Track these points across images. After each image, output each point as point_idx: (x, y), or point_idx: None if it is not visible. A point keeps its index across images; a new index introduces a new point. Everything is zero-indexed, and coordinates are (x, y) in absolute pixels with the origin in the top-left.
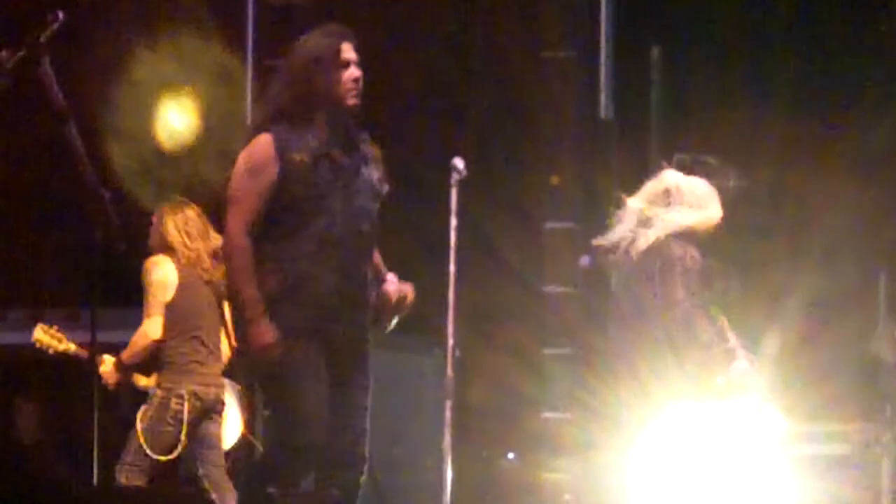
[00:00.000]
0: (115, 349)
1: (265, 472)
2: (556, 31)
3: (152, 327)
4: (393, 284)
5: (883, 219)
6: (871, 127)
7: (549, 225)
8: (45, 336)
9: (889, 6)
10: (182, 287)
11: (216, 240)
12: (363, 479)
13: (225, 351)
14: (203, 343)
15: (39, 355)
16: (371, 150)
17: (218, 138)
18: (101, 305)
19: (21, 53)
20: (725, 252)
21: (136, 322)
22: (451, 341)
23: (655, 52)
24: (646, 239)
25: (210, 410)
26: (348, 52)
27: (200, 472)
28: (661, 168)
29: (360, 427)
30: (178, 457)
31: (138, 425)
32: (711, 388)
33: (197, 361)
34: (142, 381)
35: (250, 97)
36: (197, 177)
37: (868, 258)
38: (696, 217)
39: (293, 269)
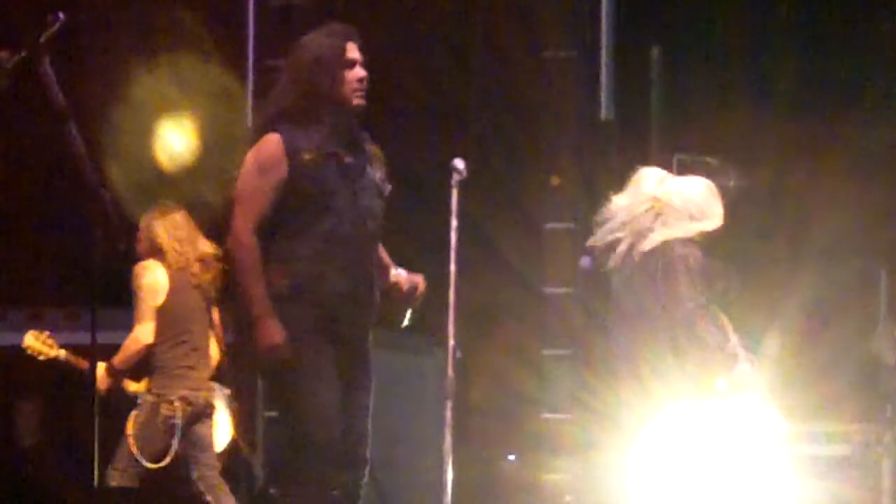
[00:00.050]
0: (115, 350)
1: (276, 473)
2: (556, 31)
3: (144, 332)
4: (403, 276)
5: (883, 219)
6: (871, 127)
7: (550, 225)
8: (36, 342)
9: (889, 6)
10: (172, 291)
11: (203, 245)
12: (365, 479)
13: (214, 355)
14: (193, 347)
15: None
16: (373, 149)
17: (218, 149)
18: (101, 305)
19: (21, 54)
20: (725, 252)
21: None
22: (451, 342)
23: (656, 52)
24: (650, 241)
25: (200, 414)
26: (353, 51)
27: (195, 475)
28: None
29: (362, 428)
30: (171, 462)
31: (128, 431)
32: (712, 388)
33: (187, 366)
34: (132, 386)
35: (251, 97)
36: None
37: (868, 258)
38: (700, 227)
39: (302, 268)
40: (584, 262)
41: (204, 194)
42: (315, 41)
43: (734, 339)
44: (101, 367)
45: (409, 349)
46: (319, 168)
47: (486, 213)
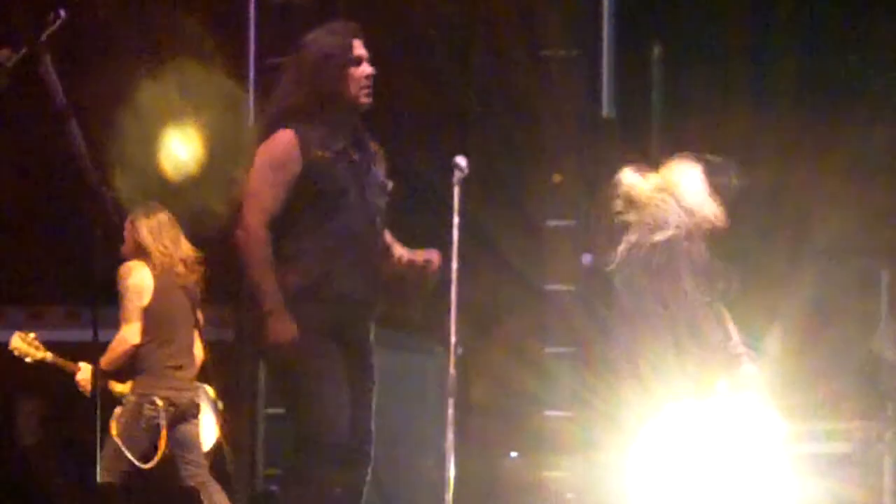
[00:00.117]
0: None
1: (278, 471)
2: (557, 29)
3: (131, 332)
4: (417, 253)
5: (884, 218)
6: (872, 126)
7: (551, 223)
8: (23, 344)
9: (889, 6)
10: (158, 292)
11: (186, 246)
12: (368, 478)
13: (199, 355)
14: (178, 348)
15: None
16: (374, 147)
17: (220, 148)
18: (101, 305)
19: (22, 52)
20: (726, 251)
21: None
22: (453, 340)
23: (657, 50)
24: (652, 238)
25: (185, 415)
26: (359, 48)
27: (184, 474)
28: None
29: (365, 426)
30: (159, 462)
31: (113, 431)
32: (712, 387)
33: (172, 367)
34: (117, 387)
35: (252, 95)
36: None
37: (869, 257)
38: (698, 219)
39: (316, 266)
40: (586, 259)
41: (204, 193)
42: (321, 39)
43: (737, 337)
44: (87, 368)
45: (411, 348)
46: (331, 166)
47: (488, 211)
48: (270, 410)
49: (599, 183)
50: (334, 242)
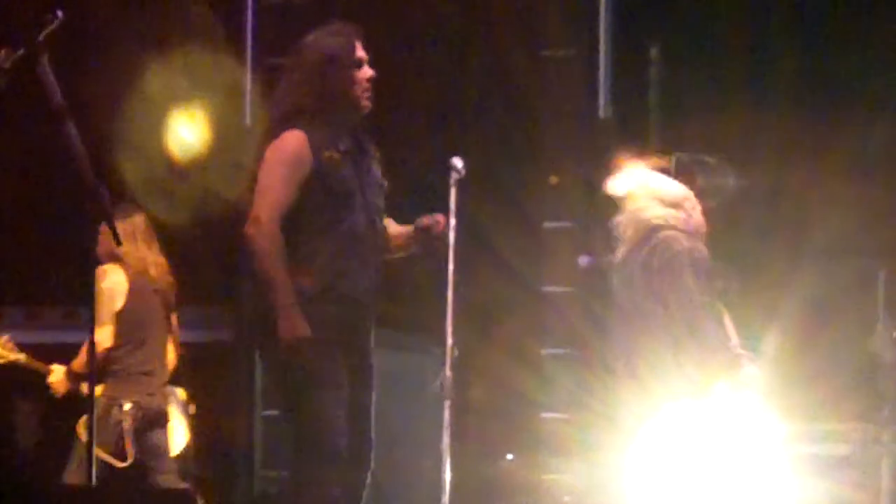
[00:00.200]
0: None
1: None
2: (555, 29)
3: (103, 336)
4: (420, 220)
5: (882, 218)
6: (871, 126)
7: (548, 224)
8: None
9: (889, 5)
10: (131, 295)
11: (158, 251)
12: (368, 481)
13: (171, 360)
14: (150, 353)
15: (36, 354)
16: (372, 147)
17: (218, 147)
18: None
19: (20, 52)
20: (724, 251)
21: None
22: (449, 341)
23: (655, 50)
24: (654, 237)
25: (153, 422)
26: (360, 50)
27: (151, 481)
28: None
29: (365, 429)
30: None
31: (80, 434)
32: (711, 387)
33: (143, 371)
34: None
35: (250, 95)
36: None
37: (867, 256)
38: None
39: (328, 267)
40: (583, 260)
41: (202, 191)
42: (324, 40)
43: (735, 338)
44: (60, 370)
45: (408, 349)
46: (339, 166)
47: (485, 212)
48: (267, 412)
49: (597, 184)
50: (343, 244)
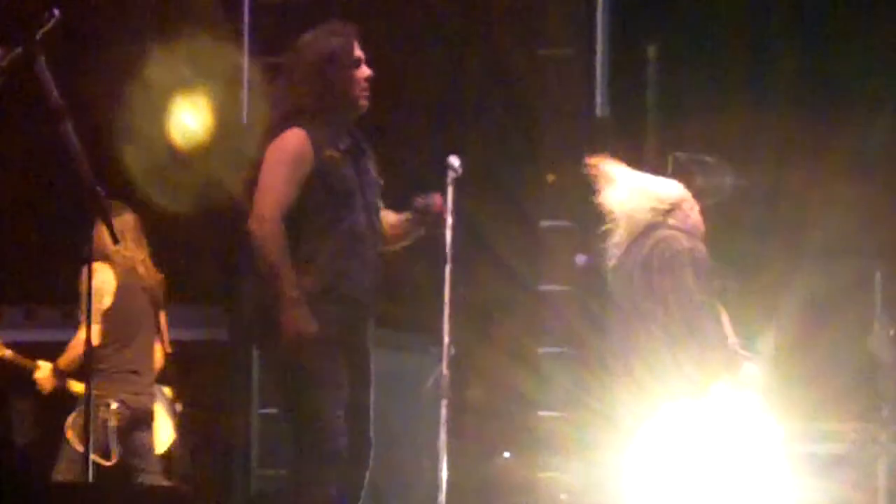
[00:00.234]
0: None
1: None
2: (553, 28)
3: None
4: (414, 203)
5: (880, 218)
6: (869, 126)
7: (545, 223)
8: None
9: (889, 5)
10: (119, 294)
11: (145, 251)
12: (366, 480)
13: (158, 358)
14: (137, 352)
15: (35, 353)
16: (367, 146)
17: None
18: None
19: (17, 51)
20: (722, 251)
21: None
22: (446, 340)
23: (652, 50)
24: (654, 236)
25: (139, 421)
26: (358, 50)
27: (134, 480)
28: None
29: (363, 428)
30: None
31: (68, 434)
32: (709, 386)
33: (130, 370)
34: (75, 387)
35: (247, 94)
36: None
37: (864, 256)
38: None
39: (330, 267)
40: (580, 259)
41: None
42: (323, 39)
43: (733, 337)
44: (46, 367)
45: (405, 348)
46: (340, 165)
47: (482, 211)
48: (265, 411)
49: (595, 183)
50: (343, 243)
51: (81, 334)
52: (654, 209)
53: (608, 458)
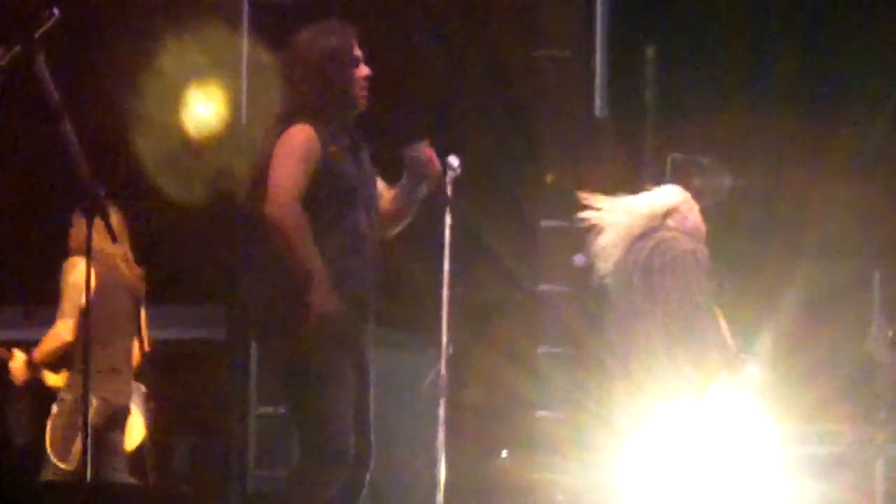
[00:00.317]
0: None
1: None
2: (550, 28)
3: (65, 329)
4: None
5: (877, 218)
6: (867, 126)
7: (544, 223)
8: None
9: (888, 5)
10: (100, 291)
11: (126, 248)
12: (367, 480)
13: (136, 355)
14: (117, 349)
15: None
16: (364, 144)
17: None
18: None
19: (16, 50)
20: (721, 251)
21: None
22: (445, 339)
23: (651, 50)
24: (654, 238)
25: (118, 419)
26: (357, 49)
27: (102, 477)
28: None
29: (365, 427)
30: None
31: (49, 433)
32: (707, 386)
33: (112, 368)
34: (51, 378)
35: (245, 93)
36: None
37: (862, 257)
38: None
39: (335, 265)
40: (578, 259)
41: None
42: (323, 38)
43: (729, 339)
44: (20, 357)
45: (403, 347)
46: (343, 162)
47: (481, 211)
48: (262, 410)
49: (593, 183)
50: (346, 242)
51: (58, 327)
52: (649, 216)
53: (606, 459)
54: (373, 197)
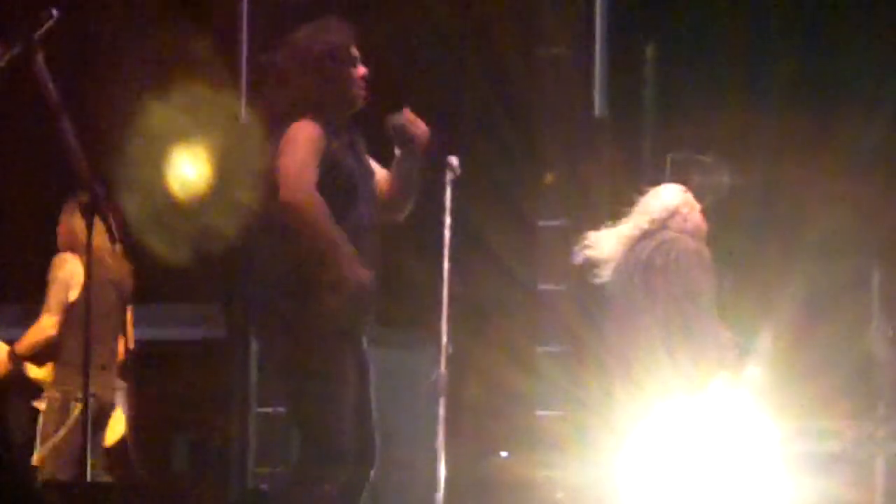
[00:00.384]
0: None
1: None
2: (550, 27)
3: (50, 323)
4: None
5: (876, 216)
6: (865, 124)
7: (543, 223)
8: None
9: (888, 5)
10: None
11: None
12: (369, 479)
13: (119, 352)
14: (104, 345)
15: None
16: (361, 142)
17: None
18: None
19: (15, 50)
20: (719, 249)
21: (135, 318)
22: (444, 338)
23: (650, 49)
24: (656, 238)
25: (104, 416)
26: (355, 48)
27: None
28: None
29: (368, 425)
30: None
31: (40, 430)
32: (707, 384)
33: (100, 365)
34: (33, 371)
35: (245, 92)
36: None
37: (861, 255)
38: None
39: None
40: (578, 258)
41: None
42: (322, 36)
43: (729, 339)
44: (3, 349)
45: (403, 346)
46: (345, 158)
47: (480, 211)
48: (262, 409)
49: (592, 183)
50: (353, 236)
51: (43, 321)
52: (648, 222)
53: (606, 457)
54: (372, 193)
